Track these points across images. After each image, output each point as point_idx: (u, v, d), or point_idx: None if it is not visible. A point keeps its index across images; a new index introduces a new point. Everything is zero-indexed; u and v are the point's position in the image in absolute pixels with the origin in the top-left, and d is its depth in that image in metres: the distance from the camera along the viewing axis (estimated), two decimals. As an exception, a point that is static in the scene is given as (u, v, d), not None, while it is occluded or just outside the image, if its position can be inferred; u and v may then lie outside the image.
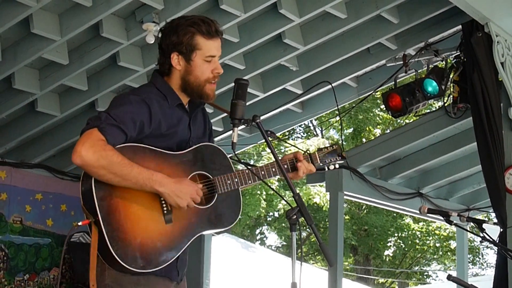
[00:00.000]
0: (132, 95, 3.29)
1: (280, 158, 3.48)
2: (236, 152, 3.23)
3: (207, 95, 3.40)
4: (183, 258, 3.39)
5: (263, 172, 3.47)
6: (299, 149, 3.67)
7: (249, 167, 3.50)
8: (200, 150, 3.39)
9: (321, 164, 3.68)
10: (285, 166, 3.54)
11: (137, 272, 3.11)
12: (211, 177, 3.36)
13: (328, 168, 3.74)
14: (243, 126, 3.26)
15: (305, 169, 3.55)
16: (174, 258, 3.22)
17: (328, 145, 3.77)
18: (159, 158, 3.24)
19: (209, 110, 7.37)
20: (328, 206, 17.10)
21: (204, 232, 3.38)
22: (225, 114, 7.36)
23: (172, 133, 3.33)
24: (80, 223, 3.13)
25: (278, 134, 9.99)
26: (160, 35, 3.43)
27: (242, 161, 3.45)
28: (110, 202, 3.11)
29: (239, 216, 3.49)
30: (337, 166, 3.75)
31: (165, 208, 3.20)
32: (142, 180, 3.11)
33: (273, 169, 3.47)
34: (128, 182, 3.10)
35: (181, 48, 3.33)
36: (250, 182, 3.43)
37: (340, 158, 3.70)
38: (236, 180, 3.38)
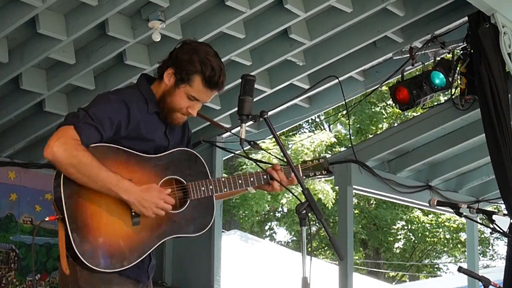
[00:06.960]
0: (113, 94, 3.32)
1: (266, 168, 3.49)
2: (244, 149, 3.23)
3: (172, 120, 3.41)
4: (153, 263, 3.42)
5: (252, 179, 3.46)
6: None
7: (257, 163, 3.49)
8: (175, 155, 3.39)
9: (304, 176, 3.60)
10: (265, 177, 3.49)
11: (99, 271, 3.12)
12: (185, 182, 3.35)
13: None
14: (251, 122, 3.25)
15: (280, 181, 3.46)
16: (137, 261, 3.21)
17: (316, 158, 3.70)
18: (132, 161, 3.25)
19: (215, 106, 7.37)
20: (331, 204, 17.12)
21: (171, 237, 3.36)
22: (234, 110, 7.36)
23: (150, 138, 3.33)
24: (47, 219, 3.22)
25: (285, 130, 9.96)
26: (181, 44, 3.41)
27: (250, 157, 3.44)
28: (77, 200, 3.13)
29: (210, 225, 3.44)
30: (322, 179, 3.70)
31: (133, 211, 3.20)
32: (108, 185, 3.12)
33: (265, 177, 3.46)
34: (95, 184, 3.11)
35: (179, 71, 3.32)
36: (225, 190, 3.40)
37: (326, 172, 3.62)
38: (211, 187, 3.37)
